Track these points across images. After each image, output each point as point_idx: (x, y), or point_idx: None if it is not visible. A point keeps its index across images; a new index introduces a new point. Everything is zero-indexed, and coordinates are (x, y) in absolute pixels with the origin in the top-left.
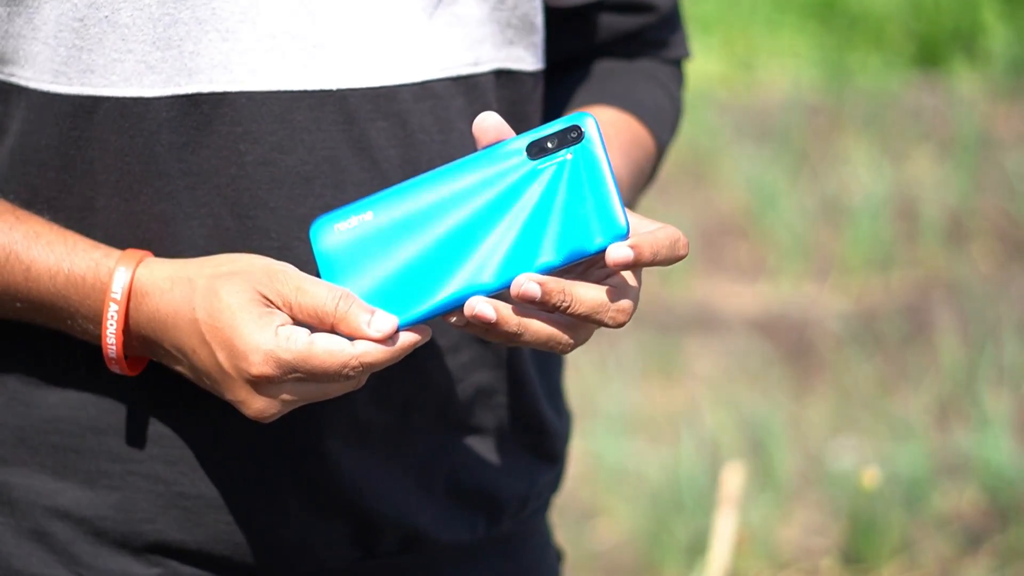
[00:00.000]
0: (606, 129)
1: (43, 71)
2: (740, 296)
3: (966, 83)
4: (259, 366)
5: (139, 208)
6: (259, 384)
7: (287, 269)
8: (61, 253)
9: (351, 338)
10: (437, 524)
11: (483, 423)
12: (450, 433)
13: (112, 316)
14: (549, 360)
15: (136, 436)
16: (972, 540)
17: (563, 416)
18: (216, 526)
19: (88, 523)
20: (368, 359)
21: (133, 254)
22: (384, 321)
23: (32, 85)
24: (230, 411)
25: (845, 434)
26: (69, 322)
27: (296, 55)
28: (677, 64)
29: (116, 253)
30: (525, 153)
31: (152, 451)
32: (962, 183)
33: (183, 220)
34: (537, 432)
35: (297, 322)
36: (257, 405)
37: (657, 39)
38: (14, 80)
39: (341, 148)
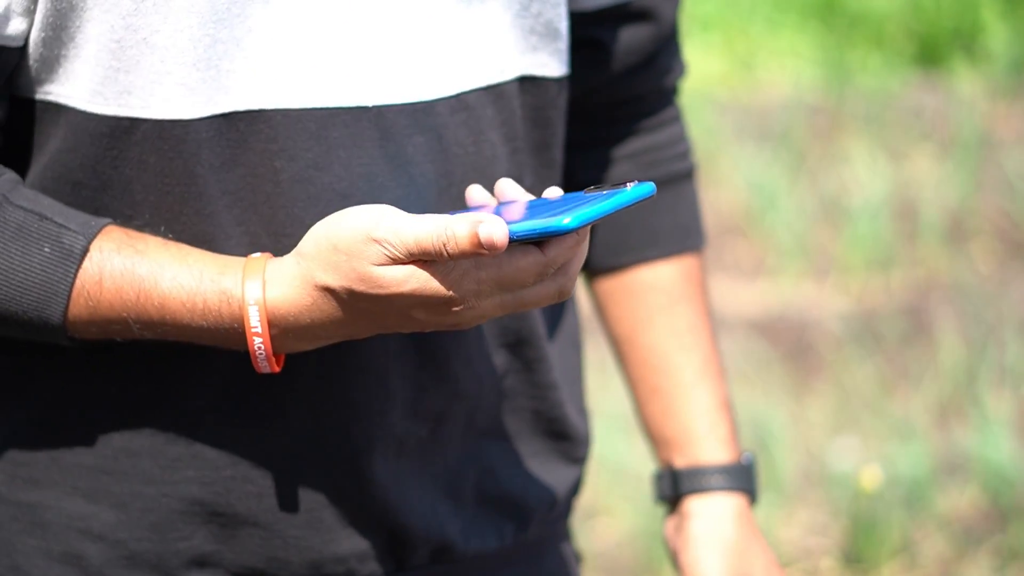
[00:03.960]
0: (681, 303)
1: (81, 90)
2: (740, 296)
3: (966, 83)
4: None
5: (178, 228)
6: (457, 299)
7: (376, 230)
8: (190, 285)
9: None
10: (466, 534)
11: (511, 430)
12: (479, 442)
13: (259, 347)
14: (573, 364)
15: (170, 457)
16: (972, 540)
17: (586, 419)
18: (251, 540)
19: (123, 545)
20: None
21: (255, 272)
22: (494, 226)
23: (71, 104)
24: (264, 428)
25: (845, 434)
26: (211, 341)
27: (332, 72)
28: (677, 90)
29: (240, 276)
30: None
31: (187, 473)
32: (962, 183)
33: (222, 240)
34: (563, 437)
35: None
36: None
37: (665, 65)
38: (51, 99)
39: (378, 164)
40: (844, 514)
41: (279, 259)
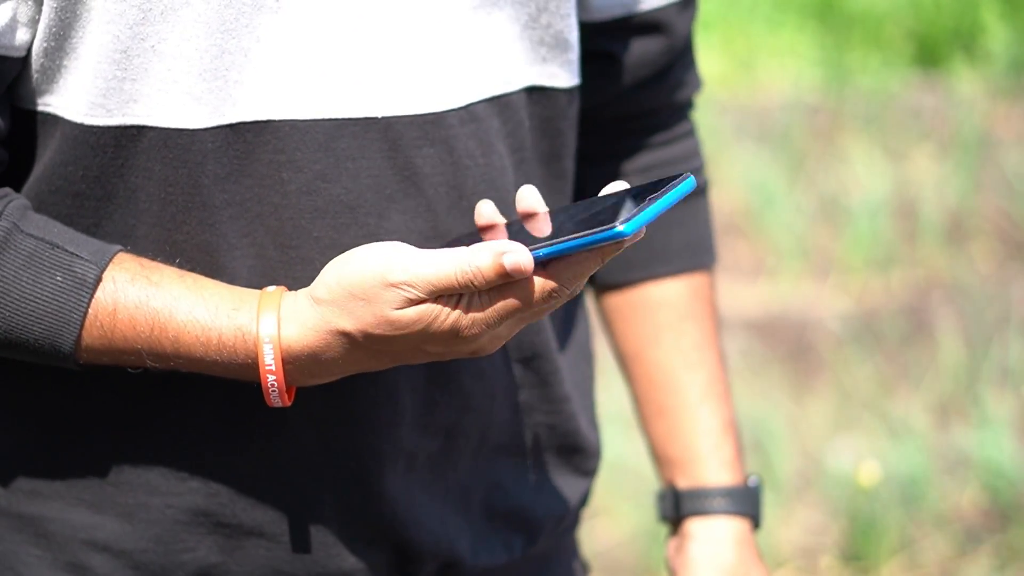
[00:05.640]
0: (689, 321)
1: (79, 102)
2: (740, 296)
3: (966, 83)
4: (473, 330)
5: (181, 238)
6: (480, 335)
7: (392, 275)
8: (205, 320)
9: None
10: (475, 549)
11: (523, 444)
12: (491, 456)
13: (272, 384)
14: (584, 375)
15: (175, 469)
16: (972, 540)
17: (597, 431)
18: (256, 552)
19: (128, 556)
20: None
21: (271, 307)
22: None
23: (67, 116)
24: (269, 440)
25: (845, 434)
26: (224, 374)
27: (340, 83)
28: (692, 104)
29: (255, 310)
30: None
31: (192, 484)
32: (962, 183)
33: (226, 251)
34: (575, 450)
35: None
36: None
37: (679, 79)
38: (50, 110)
39: (386, 175)
40: (843, 513)
41: (293, 295)
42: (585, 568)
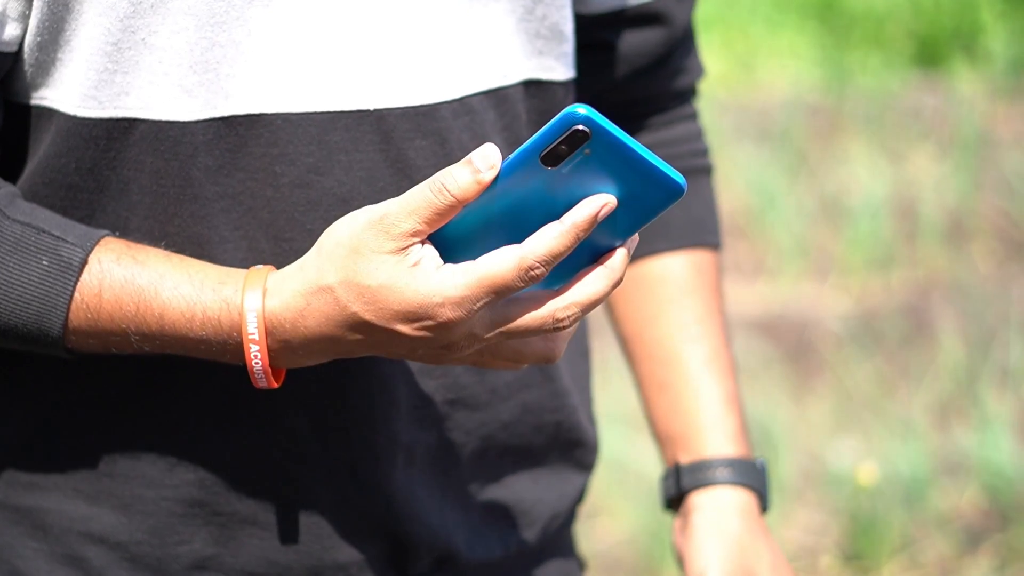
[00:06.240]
0: (690, 296)
1: (72, 95)
2: (740, 296)
3: (966, 83)
4: (448, 314)
5: (173, 231)
6: (456, 323)
7: (374, 214)
8: (190, 295)
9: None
10: (471, 543)
11: (522, 438)
12: (489, 450)
13: (255, 356)
14: (582, 371)
15: (170, 461)
16: (972, 540)
17: (595, 426)
18: (251, 542)
19: (123, 548)
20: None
21: (257, 282)
22: (487, 152)
23: (62, 109)
24: (263, 431)
25: (845, 434)
26: (209, 354)
27: (333, 75)
28: (694, 91)
29: (241, 284)
30: (541, 164)
31: (186, 476)
32: (962, 183)
33: (218, 243)
34: (575, 444)
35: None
36: (461, 340)
37: (679, 67)
38: (44, 103)
39: (379, 168)
40: (844, 513)
41: (280, 271)
42: (581, 565)
